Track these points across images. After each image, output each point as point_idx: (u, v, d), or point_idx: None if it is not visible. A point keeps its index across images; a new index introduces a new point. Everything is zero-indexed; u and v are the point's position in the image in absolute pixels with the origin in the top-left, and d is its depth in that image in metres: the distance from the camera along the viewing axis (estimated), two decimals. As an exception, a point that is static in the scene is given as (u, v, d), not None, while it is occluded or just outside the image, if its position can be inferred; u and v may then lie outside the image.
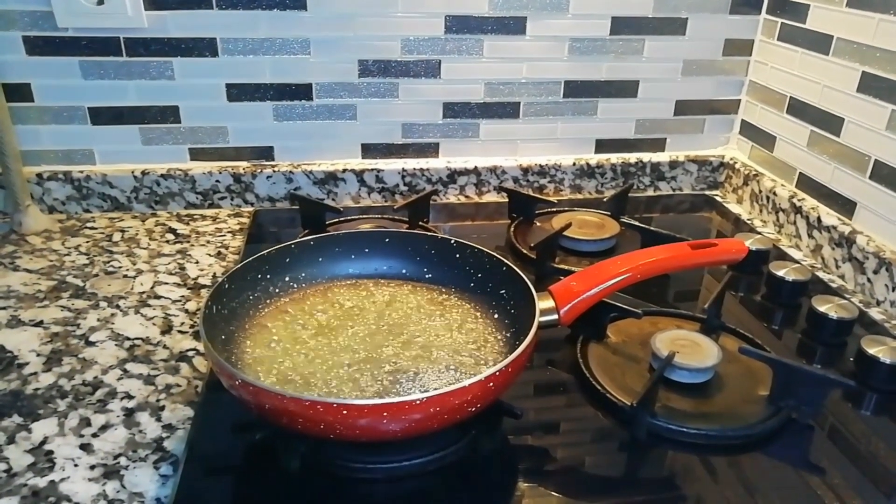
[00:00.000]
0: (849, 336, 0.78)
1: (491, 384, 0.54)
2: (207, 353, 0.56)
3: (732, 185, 1.16)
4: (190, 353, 0.71)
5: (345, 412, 0.50)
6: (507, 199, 1.06)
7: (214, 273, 0.86)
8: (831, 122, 0.94)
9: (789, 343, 0.78)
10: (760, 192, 1.08)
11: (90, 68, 0.96)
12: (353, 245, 0.77)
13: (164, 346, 0.72)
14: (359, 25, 0.99)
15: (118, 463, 0.57)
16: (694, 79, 1.12)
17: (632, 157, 1.15)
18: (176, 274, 0.86)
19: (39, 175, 0.99)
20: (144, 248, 0.92)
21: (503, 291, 0.70)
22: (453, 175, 1.10)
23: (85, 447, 0.58)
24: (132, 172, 1.01)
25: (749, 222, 1.08)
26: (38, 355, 0.69)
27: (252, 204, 1.06)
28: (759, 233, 1.02)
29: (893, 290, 0.82)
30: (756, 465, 0.60)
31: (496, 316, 0.70)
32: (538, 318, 0.61)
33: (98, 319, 0.76)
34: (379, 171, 1.07)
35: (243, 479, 0.57)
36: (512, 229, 0.99)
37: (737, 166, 1.14)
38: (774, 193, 1.04)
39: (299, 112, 1.03)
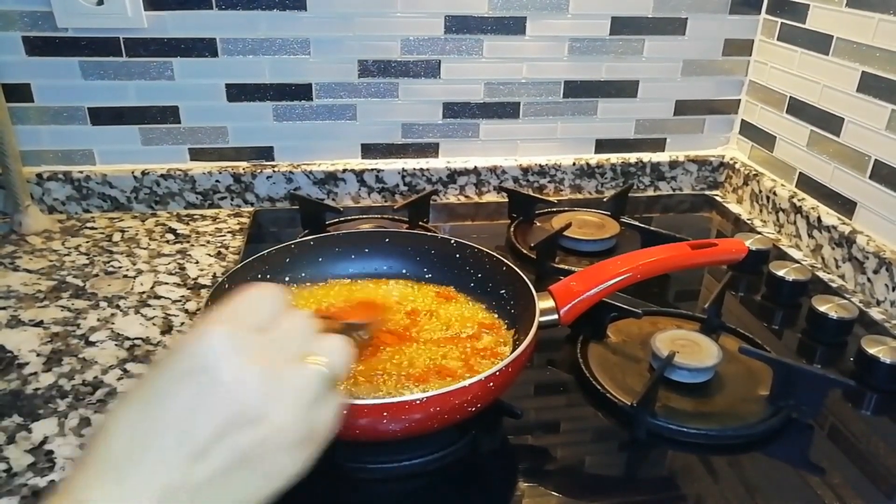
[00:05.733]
0: (849, 336, 0.78)
1: (491, 384, 0.54)
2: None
3: (732, 184, 1.16)
4: (190, 353, 0.71)
5: (344, 412, 0.50)
6: (506, 199, 1.06)
7: (214, 273, 0.86)
8: (831, 122, 0.94)
9: (789, 343, 0.78)
10: (760, 191, 1.08)
11: (90, 68, 0.96)
12: (352, 245, 0.77)
13: (165, 346, 0.72)
14: (358, 25, 0.99)
15: (118, 463, 0.56)
16: (694, 79, 1.12)
17: (632, 157, 1.15)
18: (176, 274, 0.86)
19: (39, 175, 0.99)
20: (144, 248, 0.92)
21: (503, 291, 0.70)
22: (453, 175, 1.10)
23: (85, 447, 0.58)
24: (132, 172, 1.01)
25: (749, 222, 1.08)
26: (38, 355, 0.69)
27: (252, 204, 1.06)
28: (759, 233, 1.02)
29: (893, 290, 0.82)
30: (756, 465, 0.60)
31: (496, 316, 0.70)
32: (538, 318, 0.61)
33: (98, 319, 0.76)
34: (379, 171, 1.07)
35: (243, 479, 0.57)
36: (512, 229, 0.99)
37: (737, 166, 1.14)
38: (774, 193, 1.04)
39: (299, 112, 1.03)
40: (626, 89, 1.11)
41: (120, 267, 0.87)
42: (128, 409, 0.33)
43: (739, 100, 1.15)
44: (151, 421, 0.32)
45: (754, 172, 1.10)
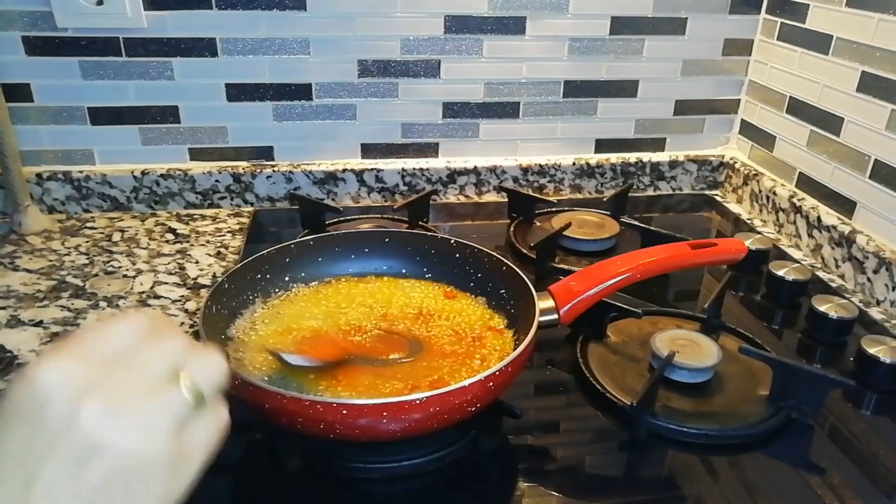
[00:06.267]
0: (849, 336, 0.78)
1: (491, 384, 0.54)
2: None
3: (732, 184, 1.16)
4: (190, 353, 0.71)
5: (344, 412, 0.50)
6: (506, 199, 1.06)
7: (214, 273, 0.86)
8: (831, 122, 0.94)
9: (789, 343, 0.78)
10: (760, 191, 1.08)
11: (90, 68, 0.96)
12: (352, 245, 0.77)
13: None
14: (358, 25, 0.99)
15: (118, 463, 0.56)
16: (693, 79, 1.12)
17: (631, 156, 1.15)
18: (176, 274, 0.86)
19: (39, 175, 0.99)
20: (144, 248, 0.92)
21: (503, 291, 0.70)
22: (453, 175, 1.10)
23: None
24: (132, 172, 1.01)
25: (749, 222, 1.08)
26: (38, 355, 0.69)
27: (252, 204, 1.06)
28: (759, 232, 1.02)
29: (893, 290, 0.82)
30: (756, 465, 0.60)
31: (496, 316, 0.70)
32: (538, 318, 0.61)
33: (98, 319, 0.76)
34: (379, 170, 1.07)
35: (243, 479, 0.57)
36: (512, 229, 0.99)
37: (736, 166, 1.14)
38: (774, 193, 1.04)
39: (299, 112, 1.03)
40: (625, 89, 1.11)
41: (120, 267, 0.87)
42: None
43: (739, 100, 1.15)
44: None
45: (754, 172, 1.10)
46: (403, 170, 1.08)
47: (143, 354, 0.34)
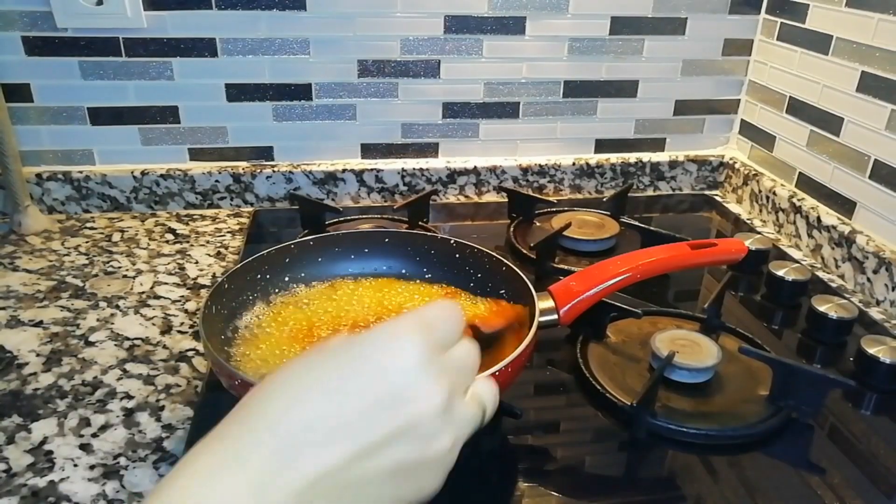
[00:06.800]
0: (849, 336, 0.78)
1: (491, 384, 0.53)
2: (207, 353, 0.56)
3: (732, 184, 1.16)
4: (189, 353, 0.71)
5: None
6: (506, 199, 1.06)
7: (214, 273, 0.86)
8: (831, 122, 0.94)
9: (789, 343, 0.78)
10: (760, 191, 1.08)
11: (89, 69, 0.96)
12: (352, 245, 0.77)
13: (164, 346, 0.72)
14: (358, 25, 0.99)
15: (118, 463, 0.57)
16: (693, 79, 1.12)
17: (631, 156, 1.15)
18: (175, 274, 0.86)
19: (39, 175, 0.99)
20: (144, 249, 0.92)
21: (503, 291, 0.70)
22: (453, 175, 1.10)
23: (84, 447, 0.58)
24: (132, 172, 1.01)
25: (749, 222, 1.08)
26: (38, 355, 0.69)
27: (252, 204, 1.06)
28: (759, 232, 1.02)
29: (893, 290, 0.82)
30: (756, 465, 0.60)
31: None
32: (538, 318, 0.61)
33: (98, 319, 0.76)
34: (378, 171, 1.07)
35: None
36: (512, 229, 0.99)
37: (736, 166, 1.14)
38: (774, 193, 1.04)
39: (299, 112, 1.03)
40: (625, 89, 1.11)
41: (119, 267, 0.87)
42: (308, 382, 0.33)
43: (739, 100, 1.15)
44: (335, 404, 0.32)
45: (754, 172, 1.10)
46: (403, 170, 1.08)
47: (458, 355, 0.37)
